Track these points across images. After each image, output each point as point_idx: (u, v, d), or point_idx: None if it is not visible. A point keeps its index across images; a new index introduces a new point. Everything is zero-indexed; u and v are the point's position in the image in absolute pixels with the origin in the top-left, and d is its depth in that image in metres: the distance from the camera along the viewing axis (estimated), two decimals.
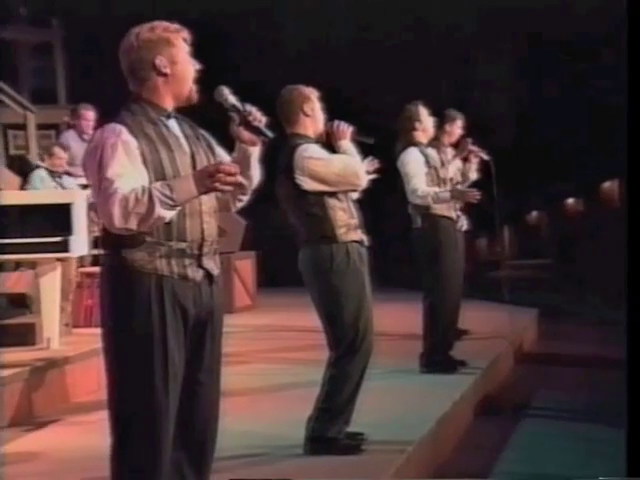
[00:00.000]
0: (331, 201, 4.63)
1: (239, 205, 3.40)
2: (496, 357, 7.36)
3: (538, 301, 10.62)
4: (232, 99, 3.23)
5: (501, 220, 7.98)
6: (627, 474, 3.27)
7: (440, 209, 6.75)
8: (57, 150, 8.08)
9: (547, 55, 13.92)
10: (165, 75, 3.16)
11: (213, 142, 3.34)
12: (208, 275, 3.22)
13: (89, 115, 8.77)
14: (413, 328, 7.92)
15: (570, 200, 16.30)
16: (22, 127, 11.27)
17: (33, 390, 5.72)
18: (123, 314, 3.11)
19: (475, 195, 6.80)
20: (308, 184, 4.60)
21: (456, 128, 7.69)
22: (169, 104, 3.20)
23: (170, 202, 2.98)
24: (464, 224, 7.15)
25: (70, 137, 8.92)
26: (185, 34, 3.21)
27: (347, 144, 4.73)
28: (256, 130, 3.21)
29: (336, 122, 4.75)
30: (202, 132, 3.33)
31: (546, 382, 7.35)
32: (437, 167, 6.82)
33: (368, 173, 4.92)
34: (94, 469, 4.54)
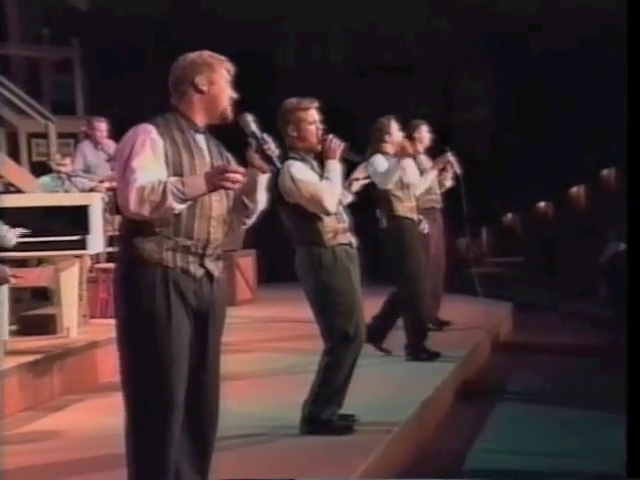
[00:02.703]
0: None
1: (242, 227, 3.43)
2: (474, 346, 7.36)
3: (512, 295, 10.62)
4: (253, 127, 3.25)
5: (471, 225, 8.04)
6: (627, 474, 3.17)
7: (403, 211, 6.70)
8: (57, 157, 8.22)
9: (523, 66, 13.90)
10: (202, 92, 3.22)
11: (233, 162, 3.35)
12: (208, 274, 3.23)
13: (102, 127, 8.77)
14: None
15: (541, 204, 16.31)
16: (44, 136, 11.29)
17: (54, 374, 5.71)
18: (132, 299, 3.13)
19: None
20: (287, 198, 4.58)
21: (424, 133, 7.72)
22: (200, 120, 3.24)
23: (181, 196, 3.03)
24: (425, 227, 7.05)
25: (85, 146, 8.92)
26: (229, 66, 3.28)
27: (333, 165, 4.56)
28: (268, 159, 3.24)
29: (329, 138, 4.60)
30: (226, 153, 3.35)
31: (519, 369, 7.35)
32: (400, 175, 6.74)
33: (359, 179, 4.89)
34: (110, 446, 4.53)
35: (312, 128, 4.56)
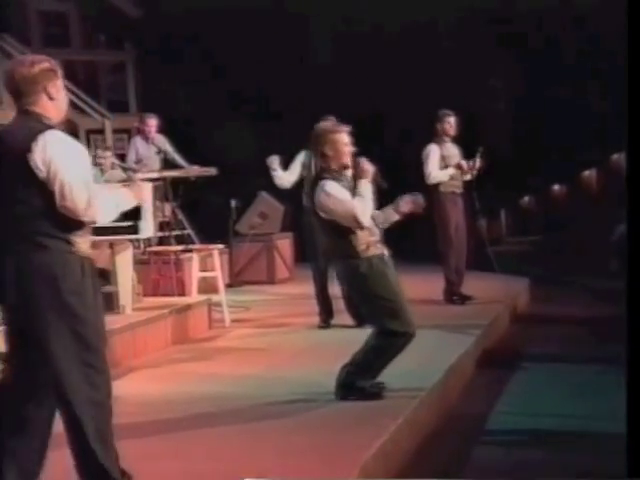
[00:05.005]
0: None
1: None
2: (494, 318, 7.30)
3: (529, 271, 10.52)
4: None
5: (490, 209, 8.25)
6: (627, 474, 3.05)
7: None
8: (99, 151, 8.35)
9: (538, 58, 13.67)
10: (53, 99, 3.16)
11: None
12: None
13: (152, 122, 8.77)
14: (425, 294, 7.90)
15: (555, 187, 16.15)
16: (101, 132, 11.41)
17: (112, 347, 5.72)
18: (71, 289, 3.07)
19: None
20: (323, 215, 4.58)
21: (451, 123, 7.74)
22: (54, 122, 3.18)
23: (124, 209, 3.25)
24: None
25: (137, 141, 8.95)
26: (61, 71, 3.23)
27: (365, 184, 4.58)
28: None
29: (362, 160, 4.62)
30: None
31: (536, 338, 7.29)
32: None
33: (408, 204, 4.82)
34: (166, 411, 4.60)
35: (346, 149, 4.58)
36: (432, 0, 12.55)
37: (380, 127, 11.52)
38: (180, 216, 8.94)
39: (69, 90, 11.33)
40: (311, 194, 4.63)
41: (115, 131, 11.38)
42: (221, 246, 7.87)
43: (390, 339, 4.58)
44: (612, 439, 4.17)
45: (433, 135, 7.78)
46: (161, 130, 8.79)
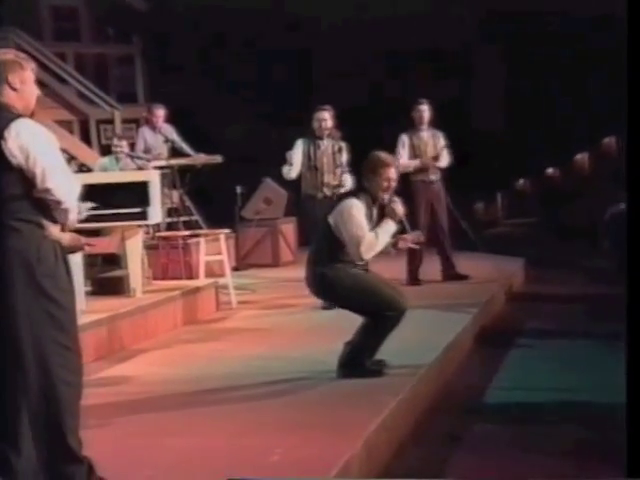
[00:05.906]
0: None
1: None
2: (490, 296, 7.30)
3: (524, 251, 10.49)
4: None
5: (487, 191, 8.28)
6: (627, 474, 2.99)
7: (305, 188, 7.06)
8: (115, 140, 8.37)
9: (532, 43, 13.55)
10: (15, 90, 3.12)
11: None
12: None
13: (159, 113, 8.73)
14: (423, 275, 7.89)
15: (550, 169, 16.08)
16: (110, 122, 11.41)
17: (124, 329, 5.75)
18: (50, 274, 3.05)
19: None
20: (333, 224, 4.61)
21: (419, 112, 7.87)
22: (21, 113, 3.13)
23: None
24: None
25: (145, 130, 8.91)
26: (33, 65, 3.19)
27: (389, 225, 4.61)
28: None
29: (395, 200, 4.65)
30: None
31: (530, 315, 7.28)
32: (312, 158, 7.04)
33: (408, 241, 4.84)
34: (175, 389, 4.61)
35: (387, 185, 4.62)
36: None
37: (374, 117, 11.46)
38: (187, 202, 8.93)
39: (80, 82, 11.34)
40: (335, 202, 4.74)
41: (124, 121, 11.38)
42: (227, 231, 7.87)
43: (382, 320, 4.59)
44: (606, 411, 4.18)
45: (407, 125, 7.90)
46: (168, 120, 8.77)
